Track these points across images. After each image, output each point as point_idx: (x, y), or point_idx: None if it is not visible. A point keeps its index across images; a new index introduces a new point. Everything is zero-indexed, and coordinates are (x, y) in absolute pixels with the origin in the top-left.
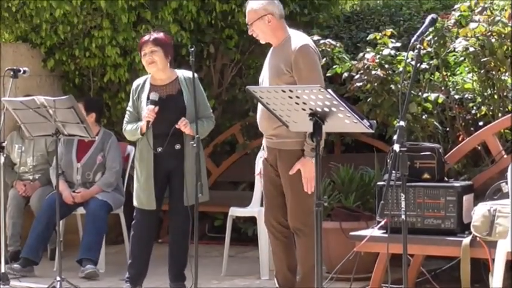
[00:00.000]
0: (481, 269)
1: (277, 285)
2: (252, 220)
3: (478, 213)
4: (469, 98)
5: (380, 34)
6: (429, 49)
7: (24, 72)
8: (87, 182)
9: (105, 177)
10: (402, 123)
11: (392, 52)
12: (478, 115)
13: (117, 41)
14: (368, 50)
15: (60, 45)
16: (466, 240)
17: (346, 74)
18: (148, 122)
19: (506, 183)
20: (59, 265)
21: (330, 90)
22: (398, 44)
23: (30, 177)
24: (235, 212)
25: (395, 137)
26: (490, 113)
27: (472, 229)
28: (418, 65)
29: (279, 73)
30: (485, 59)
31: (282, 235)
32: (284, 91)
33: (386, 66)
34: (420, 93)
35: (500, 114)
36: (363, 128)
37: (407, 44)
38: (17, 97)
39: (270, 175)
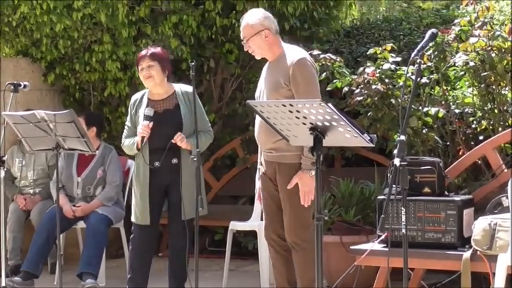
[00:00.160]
0: (482, 283)
1: None
2: (253, 234)
3: (479, 227)
4: (469, 112)
5: (380, 49)
6: (429, 63)
7: (25, 86)
8: (88, 196)
9: (106, 191)
10: (402, 137)
11: (393, 66)
12: (479, 129)
13: (117, 55)
14: (368, 64)
15: (60, 60)
16: (467, 254)
17: (346, 89)
18: (143, 137)
19: (507, 197)
20: (59, 279)
21: (330, 104)
22: (398, 59)
23: (30, 191)
24: (235, 226)
25: (395, 151)
26: (490, 127)
27: (472, 243)
28: (419, 79)
29: (277, 87)
30: (485, 73)
31: (282, 249)
32: (284, 105)
33: (387, 80)
34: (420, 108)
35: (500, 129)
36: (363, 142)
37: (407, 59)
38: (18, 111)
39: (269, 189)
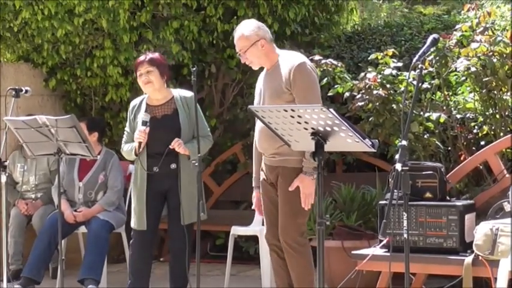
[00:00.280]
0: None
1: None
2: (254, 239)
3: (480, 232)
4: (471, 117)
5: (381, 54)
6: (431, 69)
7: (26, 91)
8: (89, 201)
9: (107, 196)
10: (404, 142)
11: (394, 72)
12: (480, 134)
13: (118, 60)
14: (369, 69)
15: (61, 65)
16: (468, 259)
17: (347, 94)
18: (140, 143)
19: (508, 202)
20: (60, 284)
21: (331, 109)
22: (399, 64)
23: (32, 196)
24: (237, 230)
25: (397, 156)
26: (492, 132)
27: (474, 248)
28: (420, 84)
29: (278, 93)
30: (486, 78)
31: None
32: (286, 110)
33: (388, 85)
34: (422, 113)
35: (502, 134)
36: (364, 147)
37: (408, 64)
38: (19, 116)
39: (269, 195)
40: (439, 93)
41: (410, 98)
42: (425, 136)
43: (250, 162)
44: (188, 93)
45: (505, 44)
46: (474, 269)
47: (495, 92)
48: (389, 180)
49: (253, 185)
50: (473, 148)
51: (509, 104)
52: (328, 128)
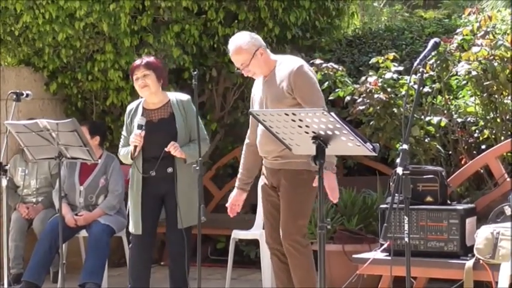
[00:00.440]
0: None
1: None
2: (255, 243)
3: (481, 236)
4: (472, 121)
5: (382, 58)
6: (432, 73)
7: (27, 95)
8: (90, 205)
9: (108, 200)
10: (405, 146)
11: (395, 76)
12: (481, 138)
13: (119, 64)
14: (370, 73)
15: (62, 69)
16: (469, 263)
17: (348, 98)
18: (135, 146)
19: (509, 206)
20: None
21: (332, 113)
22: (400, 68)
23: (33, 200)
24: (237, 234)
25: (398, 160)
26: (493, 136)
27: (475, 252)
28: (421, 88)
29: (280, 98)
30: (487, 82)
31: (286, 258)
32: (287, 114)
33: (389, 89)
34: (423, 117)
35: (502, 138)
36: (366, 151)
37: (409, 68)
38: (20, 120)
39: (270, 199)
40: (440, 97)
41: (411, 102)
42: (426, 140)
43: None
44: (184, 97)
45: (506, 48)
46: (475, 273)
47: (496, 96)
48: (390, 184)
49: (236, 185)
50: (474, 152)
51: (510, 108)
52: (329, 132)
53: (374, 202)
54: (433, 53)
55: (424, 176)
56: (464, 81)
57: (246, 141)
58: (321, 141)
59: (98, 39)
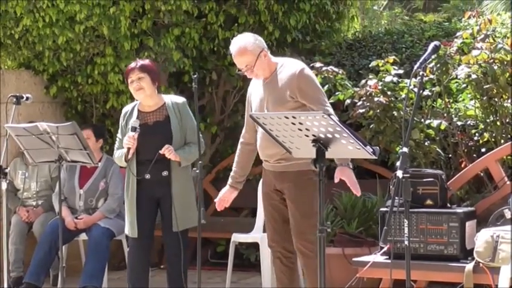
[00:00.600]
0: None
1: None
2: (255, 246)
3: (481, 239)
4: (472, 124)
5: (382, 61)
6: (432, 76)
7: (27, 99)
8: (90, 208)
9: (108, 203)
10: (405, 149)
11: (395, 79)
12: (481, 141)
13: (119, 68)
14: (370, 76)
15: (62, 72)
16: (469, 266)
17: (348, 101)
18: (129, 149)
19: (509, 209)
20: None
21: (332, 116)
22: (400, 71)
23: (33, 203)
24: (237, 238)
25: (398, 163)
26: (493, 139)
27: (475, 255)
28: (421, 91)
29: (282, 101)
30: (487, 86)
31: (289, 261)
32: (287, 117)
33: (389, 93)
34: (423, 120)
35: (502, 141)
36: (366, 154)
37: (409, 71)
38: (20, 124)
39: (273, 202)
40: (440, 101)
41: (411, 105)
42: (426, 143)
43: (250, 169)
44: (180, 100)
45: (506, 51)
46: (475, 276)
47: (496, 99)
48: (390, 187)
49: (228, 183)
50: (474, 155)
51: (510, 111)
52: (329, 135)
53: (374, 205)
54: (433, 56)
55: (424, 179)
56: (464, 85)
57: (241, 140)
58: (321, 144)
59: (98, 42)
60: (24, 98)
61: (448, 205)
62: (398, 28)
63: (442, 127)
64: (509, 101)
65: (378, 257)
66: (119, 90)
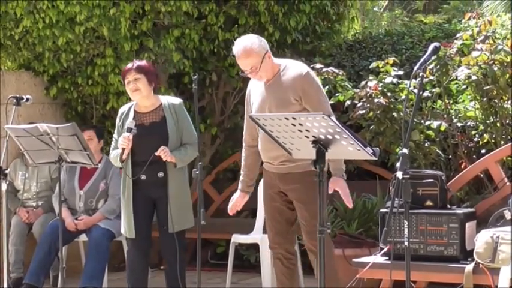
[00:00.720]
0: None
1: None
2: (255, 247)
3: (481, 240)
4: (472, 125)
5: (382, 62)
6: (432, 77)
7: (27, 100)
8: (90, 209)
9: (108, 204)
10: (405, 150)
11: (395, 80)
12: (481, 143)
13: (119, 69)
14: (370, 78)
15: (62, 73)
16: (469, 267)
17: (348, 102)
18: (123, 149)
19: (509, 210)
20: None
21: (332, 117)
22: (400, 72)
23: (33, 204)
24: (237, 238)
25: (398, 165)
26: (493, 140)
27: (475, 256)
28: (421, 93)
29: (286, 104)
30: (487, 87)
31: (289, 262)
32: (287, 118)
33: (389, 94)
34: (423, 121)
35: (502, 142)
36: (366, 155)
37: (409, 72)
38: (20, 125)
39: (275, 204)
40: (439, 102)
41: (411, 107)
42: (426, 144)
43: None
44: (176, 101)
45: (506, 52)
46: (475, 277)
47: (496, 100)
48: (390, 188)
49: (239, 188)
50: (474, 156)
51: (510, 113)
52: (329, 136)
53: (374, 206)
54: (433, 58)
55: (424, 180)
56: (464, 86)
57: (244, 143)
58: (321, 146)
59: (98, 43)
60: (24, 99)
61: (448, 206)
62: (398, 29)
63: (442, 128)
64: (509, 102)
65: (378, 258)
66: (119, 92)
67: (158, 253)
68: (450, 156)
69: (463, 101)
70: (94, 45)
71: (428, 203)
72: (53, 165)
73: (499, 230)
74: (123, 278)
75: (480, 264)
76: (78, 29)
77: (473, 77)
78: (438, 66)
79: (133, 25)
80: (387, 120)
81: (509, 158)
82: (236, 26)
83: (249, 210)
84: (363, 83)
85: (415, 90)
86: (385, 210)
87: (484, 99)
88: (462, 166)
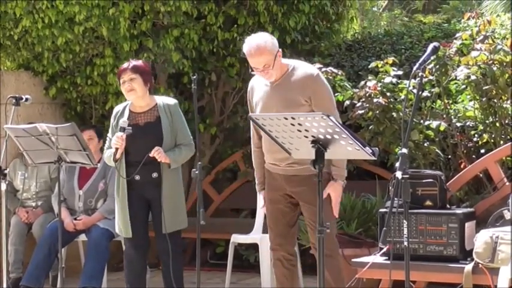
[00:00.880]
0: None
1: None
2: (254, 247)
3: (481, 240)
4: (471, 125)
5: (381, 62)
6: (431, 77)
7: (26, 100)
8: (89, 209)
9: (107, 204)
10: (404, 150)
11: (394, 80)
12: (480, 143)
13: (119, 69)
14: (370, 78)
15: (62, 73)
16: (469, 267)
17: (348, 102)
18: (117, 149)
19: (509, 210)
20: None
21: (332, 117)
22: (399, 72)
23: (32, 204)
24: (237, 238)
25: (397, 164)
26: (492, 140)
27: (474, 256)
28: (420, 93)
29: (295, 104)
30: (486, 87)
31: (289, 263)
32: (286, 118)
33: (388, 94)
34: (422, 121)
35: (502, 142)
36: (365, 155)
37: (408, 72)
38: (19, 125)
39: (279, 207)
40: (439, 102)
41: (411, 106)
42: (425, 144)
43: (250, 171)
44: (171, 101)
45: (505, 52)
46: (474, 277)
47: (495, 100)
48: (390, 188)
49: (257, 190)
50: (473, 156)
51: (509, 112)
52: (328, 136)
53: (373, 206)
54: (432, 58)
55: (424, 180)
56: (464, 86)
57: (252, 146)
58: (320, 145)
59: (98, 43)
60: (24, 99)
61: (448, 206)
62: (397, 29)
63: (442, 128)
64: (509, 102)
65: (377, 258)
66: (118, 91)
67: (157, 253)
68: (449, 156)
69: (463, 100)
70: (93, 45)
71: (428, 203)
72: (53, 165)
73: (499, 230)
74: (122, 277)
75: (479, 264)
76: (78, 29)
77: (473, 77)
78: (437, 66)
79: (132, 25)
80: (386, 120)
81: (508, 158)
82: (235, 26)
83: (249, 210)
84: (362, 83)
85: (415, 90)
86: (384, 210)
87: (483, 99)
88: (461, 166)
